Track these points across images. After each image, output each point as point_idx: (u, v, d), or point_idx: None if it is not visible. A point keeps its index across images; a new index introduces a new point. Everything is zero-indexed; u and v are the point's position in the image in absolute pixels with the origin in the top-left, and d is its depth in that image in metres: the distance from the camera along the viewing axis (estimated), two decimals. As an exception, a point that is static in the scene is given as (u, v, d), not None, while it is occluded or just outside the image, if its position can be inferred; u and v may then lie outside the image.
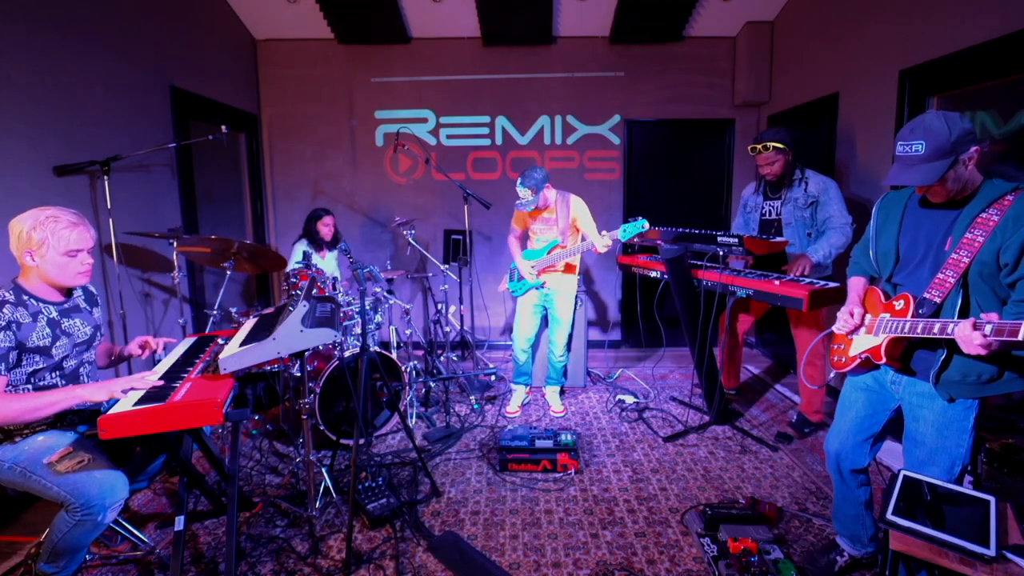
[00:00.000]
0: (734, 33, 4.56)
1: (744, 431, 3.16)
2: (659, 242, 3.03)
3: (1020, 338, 1.25)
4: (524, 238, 3.48)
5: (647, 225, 2.96)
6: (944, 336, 1.44)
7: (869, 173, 3.31)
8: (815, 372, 3.04)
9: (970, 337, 1.35)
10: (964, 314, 1.52)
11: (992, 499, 1.49)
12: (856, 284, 1.86)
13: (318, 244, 3.88)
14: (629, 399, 3.67)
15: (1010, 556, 1.34)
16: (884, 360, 1.62)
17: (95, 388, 1.69)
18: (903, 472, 1.64)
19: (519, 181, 3.10)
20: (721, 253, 2.85)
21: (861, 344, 1.72)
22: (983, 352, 1.35)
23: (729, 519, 2.19)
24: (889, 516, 1.47)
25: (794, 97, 4.13)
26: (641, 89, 4.68)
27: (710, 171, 4.90)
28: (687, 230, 2.94)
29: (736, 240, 2.70)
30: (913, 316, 1.56)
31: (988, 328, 1.32)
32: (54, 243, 1.70)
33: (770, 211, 3.11)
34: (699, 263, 3.04)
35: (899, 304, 1.62)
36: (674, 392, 3.85)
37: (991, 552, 1.32)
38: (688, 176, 4.93)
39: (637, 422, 3.35)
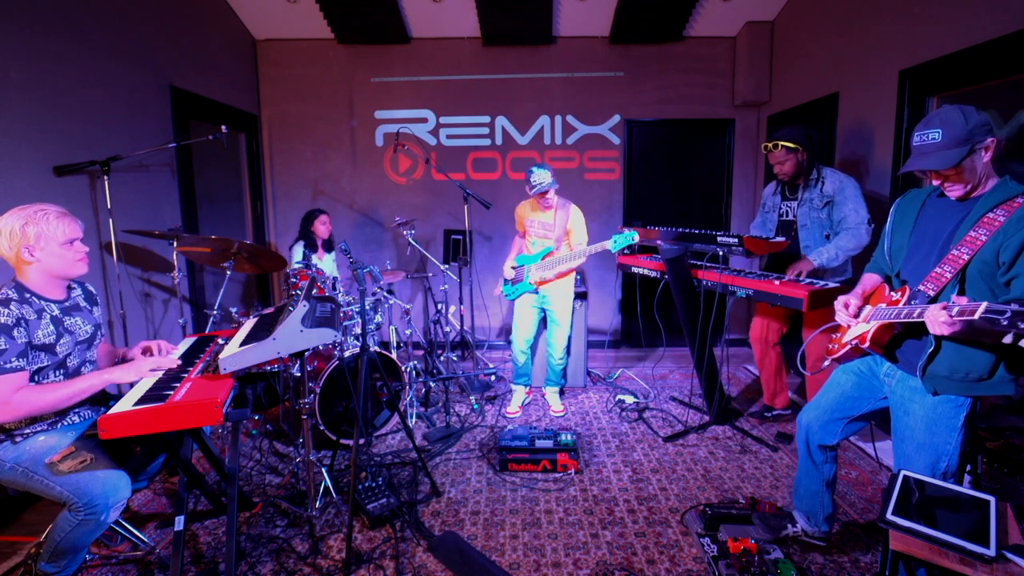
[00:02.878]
0: (734, 33, 4.56)
1: (744, 431, 3.16)
2: (659, 242, 3.03)
3: (977, 317, 1.26)
4: (525, 237, 3.49)
5: (637, 238, 2.99)
6: (919, 320, 1.45)
7: (869, 173, 3.31)
8: (815, 366, 3.03)
9: (936, 316, 1.37)
10: None
11: (992, 499, 1.49)
12: (866, 279, 1.87)
13: (315, 245, 3.88)
14: (629, 399, 3.66)
15: (1010, 556, 1.34)
16: (867, 344, 1.64)
17: (123, 370, 1.78)
18: (903, 472, 1.64)
19: (539, 165, 3.15)
20: (721, 253, 2.85)
21: (853, 332, 1.74)
22: (947, 331, 1.36)
23: (729, 519, 2.19)
24: (889, 516, 1.47)
25: (794, 97, 4.13)
26: (641, 89, 4.68)
27: (710, 171, 4.90)
28: (687, 230, 2.94)
29: (736, 240, 2.70)
30: (907, 304, 1.58)
31: (955, 309, 1.33)
32: (50, 235, 1.72)
33: (787, 212, 3.06)
34: (699, 263, 3.04)
35: (896, 296, 1.66)
36: (674, 392, 3.85)
37: (991, 552, 1.32)
38: (688, 176, 4.92)
39: (637, 422, 3.35)
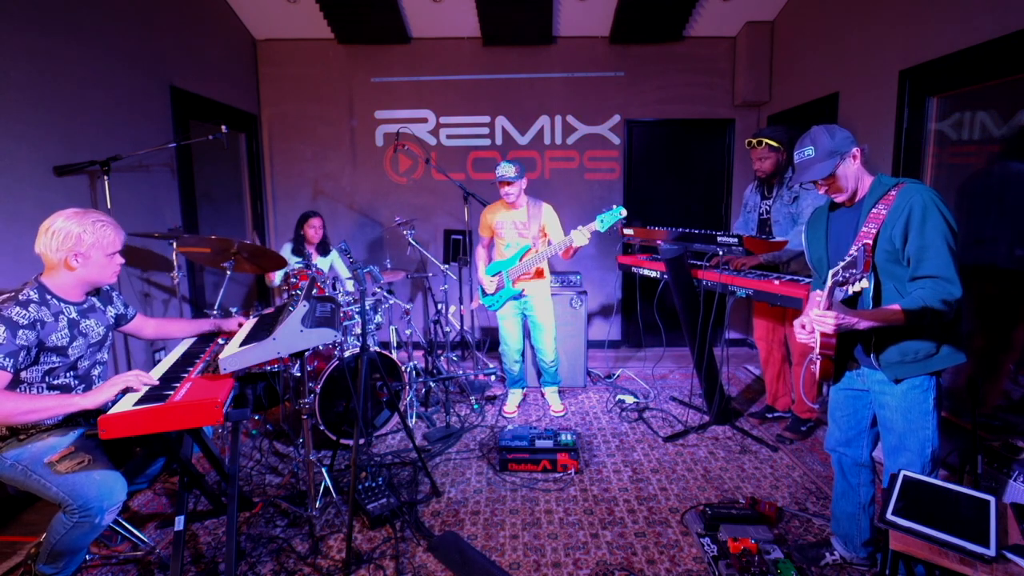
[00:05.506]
0: (734, 33, 4.56)
1: (744, 431, 3.16)
2: (659, 242, 3.03)
3: (831, 285, 1.51)
4: (490, 247, 3.45)
5: (624, 212, 2.97)
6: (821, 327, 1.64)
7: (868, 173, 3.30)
8: (807, 374, 3.03)
9: (819, 319, 1.58)
10: (878, 298, 1.71)
11: (992, 499, 1.49)
12: (813, 297, 1.96)
13: (302, 248, 3.84)
14: (629, 399, 3.66)
15: (1010, 556, 1.34)
16: (819, 351, 1.73)
17: (93, 395, 1.68)
18: (903, 472, 1.64)
19: (506, 160, 3.16)
20: (721, 253, 2.85)
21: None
22: (831, 324, 1.55)
23: (729, 519, 2.19)
24: (889, 516, 1.47)
25: (794, 97, 4.13)
26: (641, 89, 4.68)
27: (710, 171, 4.90)
28: (687, 230, 2.94)
29: (736, 240, 2.70)
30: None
31: (817, 299, 1.57)
32: (103, 246, 1.75)
33: (766, 210, 3.12)
34: (699, 263, 3.04)
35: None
36: (674, 392, 3.85)
37: (991, 552, 1.33)
38: (688, 176, 4.92)
39: (637, 422, 3.35)
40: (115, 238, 1.79)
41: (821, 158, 1.72)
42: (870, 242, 1.38)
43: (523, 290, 3.28)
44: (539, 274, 3.31)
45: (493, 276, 3.33)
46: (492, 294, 3.36)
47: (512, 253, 3.25)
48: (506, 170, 3.10)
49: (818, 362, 1.76)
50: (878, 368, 1.73)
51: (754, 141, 2.98)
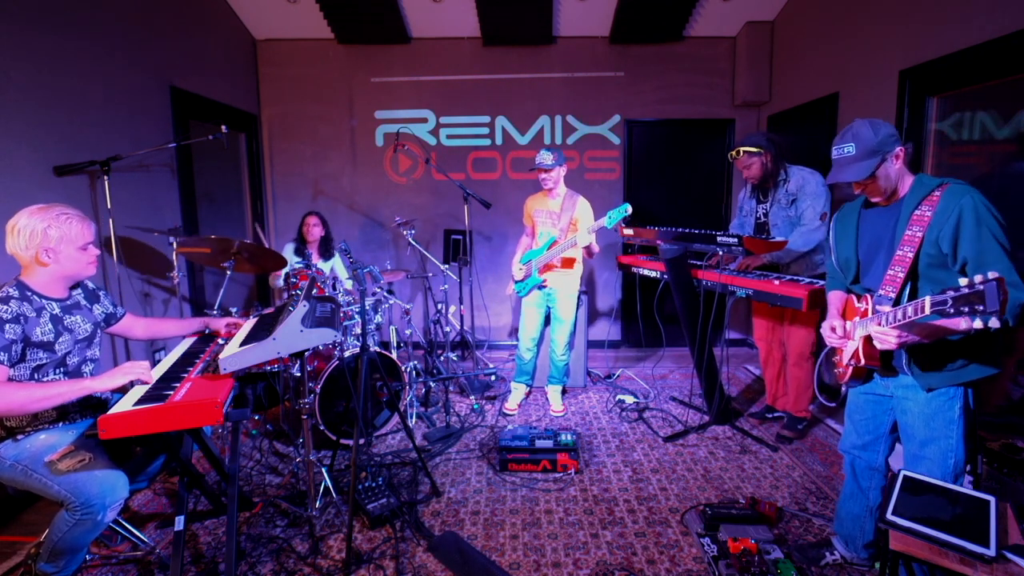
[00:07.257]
0: (734, 33, 4.56)
1: (744, 431, 3.16)
2: (659, 242, 3.03)
3: (918, 316, 1.35)
4: (533, 236, 3.50)
5: (630, 208, 2.99)
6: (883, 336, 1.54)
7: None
8: (803, 373, 3.03)
9: (882, 336, 1.51)
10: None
11: (992, 499, 1.49)
12: (833, 298, 1.91)
13: (303, 247, 3.84)
14: (629, 399, 3.66)
15: (1010, 556, 1.34)
16: (864, 362, 1.66)
17: (102, 379, 1.70)
18: (903, 472, 1.64)
19: (545, 148, 3.22)
20: (720, 253, 2.84)
21: (848, 352, 1.76)
22: (896, 343, 1.49)
23: (729, 519, 2.19)
24: (889, 516, 1.47)
25: (794, 97, 4.13)
26: (641, 89, 4.68)
27: (710, 171, 4.90)
28: (687, 230, 2.94)
29: (736, 240, 2.70)
30: (873, 314, 1.62)
31: (889, 316, 1.47)
32: (71, 239, 1.75)
33: (762, 214, 3.11)
34: (699, 263, 3.04)
35: (862, 305, 1.69)
36: (674, 392, 3.85)
37: (991, 552, 1.32)
38: (688, 176, 4.92)
39: (637, 422, 3.35)
40: (83, 230, 1.77)
41: (861, 156, 1.58)
42: (999, 276, 1.18)
43: (545, 280, 3.32)
44: (568, 264, 3.32)
45: (524, 264, 3.41)
46: (520, 281, 3.43)
47: (543, 243, 3.31)
48: (543, 157, 3.17)
49: (851, 368, 1.71)
50: (908, 373, 1.66)
51: (733, 153, 2.97)
